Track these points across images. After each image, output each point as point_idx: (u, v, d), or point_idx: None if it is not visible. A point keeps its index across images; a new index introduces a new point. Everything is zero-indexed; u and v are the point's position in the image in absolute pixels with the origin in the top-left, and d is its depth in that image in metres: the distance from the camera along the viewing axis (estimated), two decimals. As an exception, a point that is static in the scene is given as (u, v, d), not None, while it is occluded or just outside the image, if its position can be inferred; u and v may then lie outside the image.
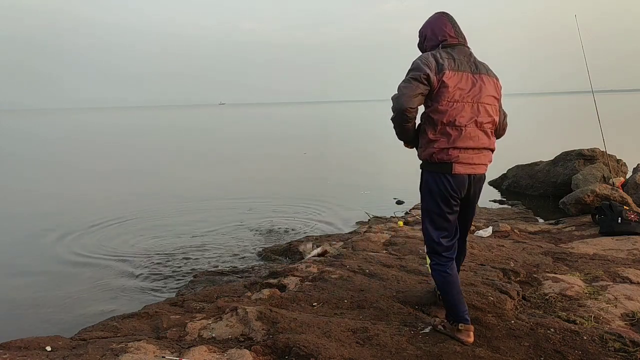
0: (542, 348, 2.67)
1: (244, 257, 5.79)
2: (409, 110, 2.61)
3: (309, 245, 5.45)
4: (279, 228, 7.13)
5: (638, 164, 8.20)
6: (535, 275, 3.97)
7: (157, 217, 8.08)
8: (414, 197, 8.68)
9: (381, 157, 16.82)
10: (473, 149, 2.65)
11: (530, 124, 27.01)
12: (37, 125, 55.92)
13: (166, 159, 17.84)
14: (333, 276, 3.94)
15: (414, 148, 2.85)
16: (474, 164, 2.68)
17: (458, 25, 2.78)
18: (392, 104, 2.65)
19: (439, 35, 2.75)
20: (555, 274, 4.01)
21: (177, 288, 4.81)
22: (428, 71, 2.57)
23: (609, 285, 3.70)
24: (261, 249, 6.06)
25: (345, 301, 3.44)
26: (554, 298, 3.47)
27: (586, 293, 3.54)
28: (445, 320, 2.86)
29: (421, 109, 2.72)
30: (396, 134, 2.79)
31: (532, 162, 9.75)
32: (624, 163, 9.09)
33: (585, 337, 2.77)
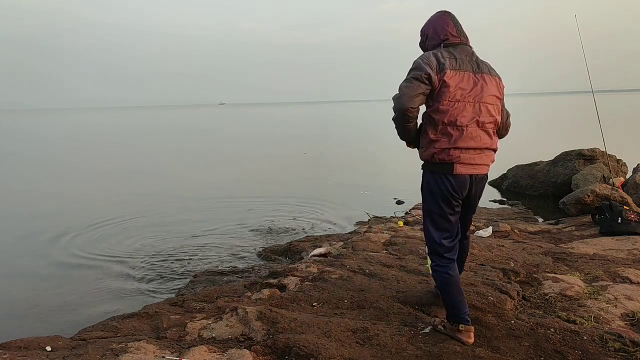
0: (542, 348, 2.67)
1: (244, 257, 5.79)
2: (410, 110, 2.59)
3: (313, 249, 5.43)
4: (279, 228, 7.13)
5: (638, 164, 8.20)
6: (535, 275, 3.97)
7: (157, 217, 8.08)
8: (414, 197, 8.68)
9: (381, 157, 16.82)
10: (475, 149, 2.63)
11: (530, 124, 27.01)
12: (37, 125, 55.92)
13: (166, 159, 17.84)
14: (333, 276, 3.94)
15: (416, 148, 2.83)
16: (476, 164, 2.66)
17: (460, 24, 2.76)
18: (393, 104, 2.64)
19: (441, 34, 2.73)
20: (555, 274, 4.01)
21: (177, 288, 4.81)
22: (429, 71, 2.55)
23: (609, 285, 3.70)
24: (261, 249, 6.06)
25: (345, 301, 3.44)
26: (554, 298, 3.47)
27: (586, 293, 3.54)
28: (446, 321, 2.86)
29: (423, 108, 2.71)
30: (398, 134, 2.78)
31: (532, 162, 9.74)
32: (624, 163, 9.09)
33: (585, 337, 2.77)
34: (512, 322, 3.00)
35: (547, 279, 3.84)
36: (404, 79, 2.64)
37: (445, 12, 2.80)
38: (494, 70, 2.77)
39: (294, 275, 4.11)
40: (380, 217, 7.48)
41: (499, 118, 2.74)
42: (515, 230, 5.99)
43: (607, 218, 5.61)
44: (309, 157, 16.87)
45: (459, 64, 2.62)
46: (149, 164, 16.24)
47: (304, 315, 3.14)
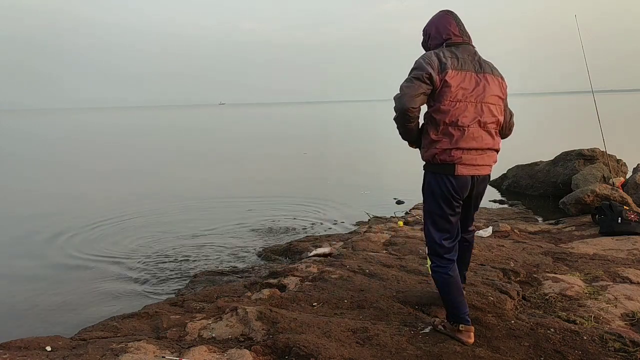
0: (542, 348, 2.67)
1: (244, 257, 5.79)
2: (411, 110, 2.58)
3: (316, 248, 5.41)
4: (279, 228, 7.13)
5: (638, 164, 8.20)
6: (535, 275, 3.97)
7: (157, 217, 8.08)
8: (414, 197, 8.68)
9: (381, 157, 16.83)
10: (476, 149, 2.62)
11: (530, 124, 27.01)
12: (37, 125, 55.91)
13: (166, 159, 17.84)
14: (333, 276, 3.94)
15: (418, 148, 2.82)
16: (478, 164, 2.65)
17: (462, 24, 2.75)
18: (394, 104, 2.63)
19: (443, 33, 2.71)
20: (555, 274, 4.01)
21: (177, 288, 4.81)
22: (430, 70, 2.54)
23: (609, 285, 3.70)
24: (261, 249, 6.06)
25: (345, 301, 3.44)
26: (554, 298, 3.47)
27: (586, 293, 3.54)
28: (446, 321, 2.85)
29: (424, 108, 2.70)
30: (400, 134, 2.76)
31: (532, 162, 9.74)
32: (624, 163, 9.09)
33: (585, 337, 2.77)
34: (512, 322, 3.00)
35: (547, 279, 3.84)
36: (405, 78, 2.62)
37: (448, 11, 2.78)
38: (497, 70, 2.75)
39: (294, 275, 4.11)
40: (380, 217, 7.48)
41: (501, 118, 2.73)
42: (515, 230, 5.99)
43: (607, 218, 5.61)
44: (309, 157, 16.87)
45: (460, 64, 2.60)
46: (149, 164, 16.24)
47: (304, 315, 3.14)
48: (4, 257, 6.19)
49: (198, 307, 3.66)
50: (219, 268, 5.31)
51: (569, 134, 19.81)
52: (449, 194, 2.65)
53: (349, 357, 2.58)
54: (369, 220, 7.39)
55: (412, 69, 2.62)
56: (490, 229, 5.89)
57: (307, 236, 6.50)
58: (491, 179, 10.09)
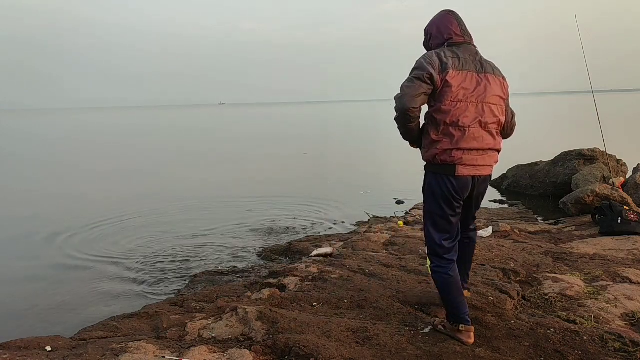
0: (542, 348, 2.67)
1: (244, 257, 5.79)
2: (412, 110, 2.57)
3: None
4: (279, 228, 7.13)
5: (638, 164, 8.20)
6: (535, 275, 3.97)
7: (157, 217, 8.08)
8: (414, 197, 8.68)
9: (381, 157, 16.83)
10: (477, 150, 2.61)
11: (530, 124, 27.01)
12: (37, 125, 55.91)
13: (166, 159, 17.84)
14: (333, 276, 3.94)
15: (419, 148, 2.81)
16: (479, 165, 2.64)
17: (464, 24, 2.74)
18: (395, 104, 2.62)
19: (445, 33, 2.71)
20: (555, 274, 4.01)
21: (177, 288, 4.81)
22: (431, 70, 2.53)
23: (609, 285, 3.70)
24: (261, 249, 6.06)
25: (345, 301, 3.44)
26: (554, 298, 3.47)
27: (586, 293, 3.54)
28: (446, 321, 2.85)
29: (425, 108, 2.69)
30: (400, 133, 2.76)
31: (532, 162, 9.74)
32: (624, 163, 9.09)
33: (585, 337, 2.77)
34: (512, 322, 3.00)
35: (547, 279, 3.84)
36: (406, 78, 2.62)
37: (450, 11, 2.77)
38: (498, 70, 2.74)
39: (294, 275, 4.11)
40: (380, 217, 7.48)
41: (502, 118, 2.72)
42: (515, 230, 5.99)
43: (607, 218, 5.61)
44: (309, 157, 16.87)
45: (462, 64, 2.59)
46: (149, 164, 16.24)
47: (304, 315, 3.14)
48: (4, 257, 6.19)
49: (198, 307, 3.66)
50: (219, 268, 5.31)
51: (569, 134, 19.80)
52: (449, 195, 2.64)
53: (349, 357, 2.58)
54: (369, 220, 7.39)
55: (413, 69, 2.61)
56: (490, 229, 5.89)
57: (307, 236, 6.50)
58: (491, 179, 10.12)
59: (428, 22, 2.85)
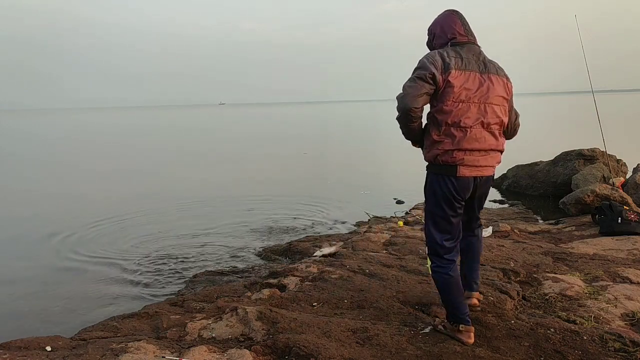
0: (542, 348, 2.67)
1: (244, 257, 5.79)
2: (414, 110, 2.56)
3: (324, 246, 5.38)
4: (279, 228, 7.13)
5: (638, 164, 8.20)
6: (535, 275, 3.97)
7: (157, 217, 8.08)
8: (414, 197, 8.68)
9: (381, 157, 16.83)
10: (479, 150, 2.61)
11: (530, 124, 26.99)
12: (37, 125, 55.91)
13: (166, 159, 17.84)
14: (333, 276, 3.94)
15: (421, 148, 2.80)
16: (480, 165, 2.63)
17: (468, 24, 2.73)
18: (397, 104, 2.61)
19: (448, 33, 2.69)
20: (555, 274, 4.01)
21: (177, 288, 4.81)
22: (434, 70, 2.52)
23: (609, 285, 3.70)
24: (261, 249, 6.06)
25: (345, 301, 3.44)
26: (554, 298, 3.47)
27: (586, 293, 3.54)
28: (446, 321, 2.85)
29: (427, 108, 2.67)
30: (402, 133, 2.75)
31: (532, 162, 9.74)
32: (624, 163, 9.09)
33: (585, 337, 2.77)
34: (512, 322, 3.00)
35: (547, 279, 3.84)
36: (408, 78, 2.61)
37: (453, 10, 2.76)
38: (502, 70, 2.73)
39: (294, 275, 4.11)
40: (380, 217, 7.47)
41: (505, 119, 2.71)
42: (515, 230, 5.99)
43: (607, 218, 5.61)
44: (309, 157, 16.87)
45: (464, 64, 2.58)
46: (149, 164, 16.24)
47: (304, 315, 3.14)
48: (5, 257, 6.19)
49: (198, 307, 3.66)
50: (219, 268, 5.31)
51: (569, 134, 19.81)
52: (450, 195, 2.64)
53: (349, 357, 2.58)
54: (369, 220, 7.38)
55: (416, 69, 2.60)
56: (490, 229, 5.89)
57: (307, 236, 6.50)
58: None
59: (432, 21, 2.83)
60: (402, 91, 2.59)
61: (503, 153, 2.77)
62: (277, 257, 5.67)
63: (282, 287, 3.88)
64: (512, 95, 2.78)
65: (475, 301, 3.09)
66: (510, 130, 2.85)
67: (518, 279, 3.93)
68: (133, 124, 54.75)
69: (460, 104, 2.56)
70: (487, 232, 5.80)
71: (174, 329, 3.12)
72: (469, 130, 2.57)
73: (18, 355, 2.70)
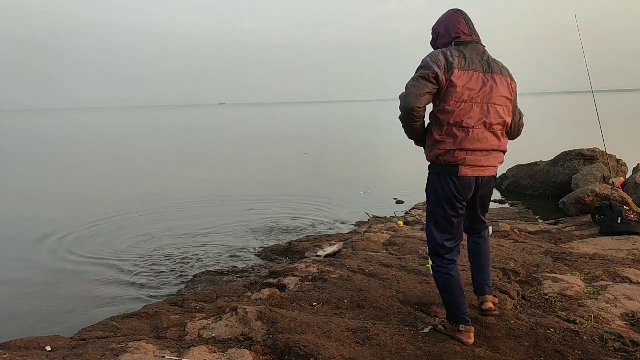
0: (542, 348, 2.67)
1: (244, 257, 5.79)
2: (416, 110, 2.55)
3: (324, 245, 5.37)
4: (279, 228, 7.13)
5: (638, 164, 8.20)
6: (535, 275, 3.97)
7: (157, 217, 8.08)
8: (414, 197, 8.68)
9: (381, 157, 16.82)
10: (481, 150, 2.60)
11: (531, 124, 26.98)
12: (37, 125, 55.92)
13: (166, 159, 17.84)
14: (333, 276, 3.94)
15: (424, 147, 2.79)
16: (482, 166, 2.62)
17: (472, 23, 2.72)
18: (399, 103, 2.60)
19: (452, 32, 2.68)
20: (555, 274, 4.01)
21: (177, 288, 4.81)
22: (437, 70, 2.51)
23: (609, 285, 3.70)
24: (261, 249, 6.06)
25: (345, 301, 3.44)
26: (554, 298, 3.47)
27: (586, 293, 3.54)
28: (446, 321, 2.85)
29: (430, 107, 2.67)
30: (405, 132, 2.74)
31: (532, 162, 9.74)
32: (624, 163, 9.09)
33: (585, 337, 2.77)
34: (512, 322, 3.00)
35: (547, 279, 3.84)
36: (411, 77, 2.60)
37: (458, 10, 2.75)
38: (506, 70, 2.71)
39: (294, 275, 4.11)
40: (380, 217, 7.47)
41: (508, 119, 2.69)
42: (515, 230, 5.99)
43: (607, 218, 5.61)
44: (309, 157, 16.87)
45: (468, 64, 2.57)
46: (149, 164, 16.24)
47: (304, 315, 3.14)
48: (4, 257, 6.19)
49: (198, 307, 3.66)
50: (219, 268, 5.31)
51: (569, 134, 19.79)
52: (452, 195, 2.63)
53: (349, 357, 2.58)
54: (369, 220, 7.38)
55: (419, 68, 2.59)
56: (490, 229, 5.88)
57: (307, 236, 6.50)
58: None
59: (436, 20, 2.82)
60: (405, 90, 2.58)
61: (506, 154, 2.76)
62: (277, 257, 5.67)
63: (282, 287, 3.88)
64: (516, 95, 2.77)
65: (490, 305, 2.94)
66: (514, 131, 2.83)
67: (518, 279, 3.93)
68: (133, 124, 54.75)
69: (463, 104, 2.55)
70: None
71: (174, 329, 3.12)
72: (471, 130, 2.56)
73: (18, 355, 2.70)
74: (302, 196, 9.48)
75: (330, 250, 4.91)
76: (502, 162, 2.76)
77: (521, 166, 9.92)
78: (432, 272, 2.81)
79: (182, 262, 5.62)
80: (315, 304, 3.44)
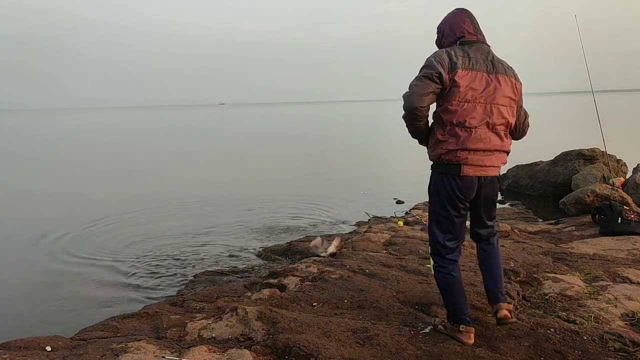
0: (542, 348, 2.67)
1: (244, 257, 5.79)
2: (419, 109, 2.55)
3: (318, 239, 5.33)
4: (279, 228, 7.13)
5: (638, 164, 8.20)
6: (535, 275, 3.97)
7: (157, 217, 8.08)
8: (414, 197, 8.68)
9: (381, 157, 16.82)
10: (484, 150, 2.59)
11: (531, 124, 26.98)
12: (37, 125, 55.92)
13: (166, 159, 17.84)
14: (333, 276, 3.94)
15: (427, 147, 2.78)
16: (485, 165, 2.61)
17: (477, 22, 2.70)
18: (403, 102, 2.60)
19: (457, 31, 2.67)
20: (555, 274, 4.01)
21: (177, 288, 4.81)
22: (440, 69, 2.50)
23: (609, 285, 3.70)
24: (261, 249, 6.06)
25: (345, 301, 3.44)
26: (554, 298, 3.47)
27: (586, 293, 3.54)
28: (446, 321, 2.85)
29: (434, 107, 2.66)
30: (409, 132, 2.74)
31: (532, 162, 9.74)
32: (624, 163, 9.09)
33: (585, 337, 2.77)
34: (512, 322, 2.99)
35: (547, 279, 3.85)
36: (415, 76, 2.59)
37: (462, 9, 2.74)
38: (511, 70, 2.70)
39: (294, 275, 4.11)
40: (380, 217, 7.47)
41: (512, 120, 2.68)
42: (515, 230, 5.99)
43: (607, 218, 5.61)
44: (309, 157, 16.87)
45: (472, 64, 2.56)
46: (149, 164, 16.24)
47: (304, 315, 3.14)
48: (4, 257, 6.19)
49: (198, 307, 3.66)
50: (219, 268, 5.31)
51: (569, 134, 19.80)
52: (454, 195, 2.62)
53: (349, 357, 2.58)
54: (369, 220, 7.38)
55: (423, 67, 2.58)
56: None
57: (307, 236, 6.50)
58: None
59: (441, 19, 2.81)
60: (408, 90, 2.58)
61: (509, 154, 2.75)
62: (277, 257, 5.67)
63: (282, 287, 3.88)
64: (521, 95, 2.75)
65: (505, 312, 2.75)
66: (519, 131, 2.82)
67: (518, 279, 3.93)
68: (133, 124, 54.76)
69: (466, 104, 2.54)
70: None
71: (174, 329, 3.12)
72: (473, 130, 2.55)
73: (18, 355, 2.70)
74: (302, 196, 9.48)
75: (331, 250, 4.92)
76: (505, 162, 2.74)
77: (521, 166, 9.91)
78: (433, 272, 2.81)
79: (182, 262, 5.62)
80: (315, 304, 3.44)
